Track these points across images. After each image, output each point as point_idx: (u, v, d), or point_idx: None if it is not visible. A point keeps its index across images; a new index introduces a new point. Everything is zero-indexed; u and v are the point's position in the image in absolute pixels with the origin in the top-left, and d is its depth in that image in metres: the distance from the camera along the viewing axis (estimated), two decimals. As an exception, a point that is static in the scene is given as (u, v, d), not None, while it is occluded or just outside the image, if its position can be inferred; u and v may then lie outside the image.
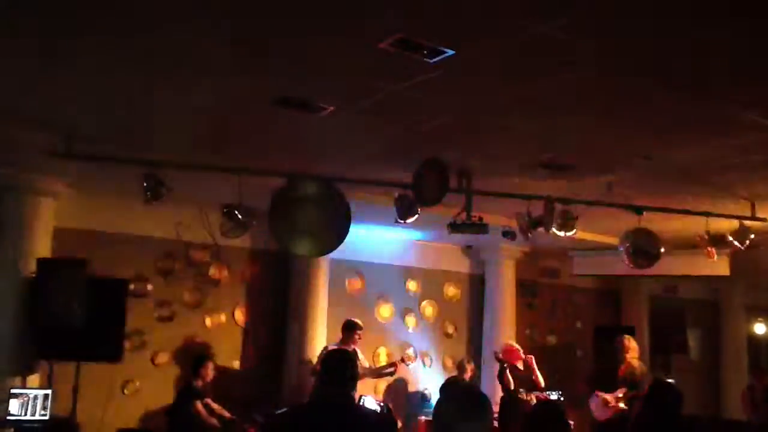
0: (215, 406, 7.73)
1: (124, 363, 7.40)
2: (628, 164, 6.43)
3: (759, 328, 14.33)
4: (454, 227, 6.69)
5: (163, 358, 8.43)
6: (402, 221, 6.74)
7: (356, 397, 7.50)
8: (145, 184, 5.72)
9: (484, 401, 2.66)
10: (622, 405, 7.40)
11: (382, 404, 8.59)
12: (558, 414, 4.02)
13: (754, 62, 4.22)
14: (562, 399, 9.08)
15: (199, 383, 7.68)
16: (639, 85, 4.65)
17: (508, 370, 8.38)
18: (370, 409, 7.34)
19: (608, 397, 7.66)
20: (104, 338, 6.86)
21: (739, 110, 5.03)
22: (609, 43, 4.03)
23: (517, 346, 8.86)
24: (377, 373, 9.12)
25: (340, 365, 3.60)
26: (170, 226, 8.24)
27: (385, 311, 10.30)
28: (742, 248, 7.36)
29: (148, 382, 8.25)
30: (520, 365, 8.57)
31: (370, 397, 8.65)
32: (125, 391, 8.10)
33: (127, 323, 7.32)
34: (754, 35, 3.84)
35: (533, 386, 8.45)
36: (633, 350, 7.82)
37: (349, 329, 8.46)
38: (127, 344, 7.59)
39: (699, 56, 4.16)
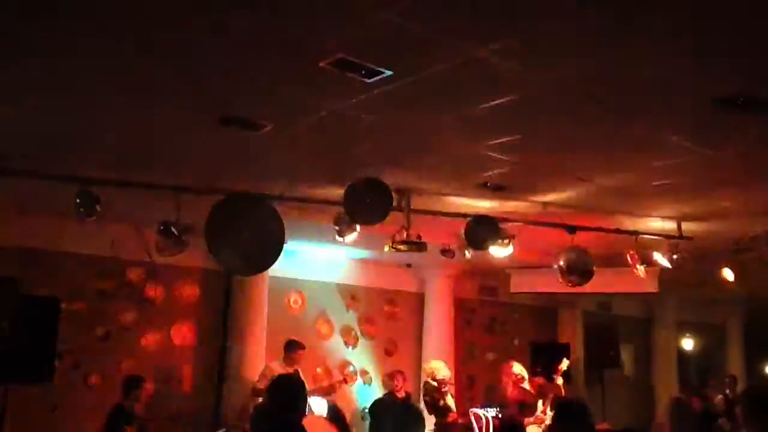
0: None
1: (56, 385, 7.18)
2: (563, 184, 6.62)
3: (687, 344, 14.83)
4: (393, 246, 6.75)
5: (96, 379, 8.21)
6: (342, 239, 6.78)
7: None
8: (78, 201, 5.60)
9: (418, 416, 2.72)
10: None
11: (329, 404, 8.45)
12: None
13: (680, 87, 4.42)
14: (499, 416, 9.20)
15: (131, 405, 7.44)
16: (572, 109, 4.80)
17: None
18: None
19: None
20: (34, 359, 6.63)
21: (667, 133, 5.25)
22: (542, 67, 4.17)
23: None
24: (317, 393, 9.05)
25: (291, 394, 3.57)
26: (105, 244, 8.07)
27: (325, 329, 10.27)
28: (669, 266, 7.64)
29: (81, 404, 8.02)
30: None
31: (317, 397, 8.46)
32: (56, 413, 7.84)
33: (59, 343, 7.11)
34: (678, 58, 4.02)
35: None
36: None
37: (292, 349, 8.41)
38: (58, 365, 7.36)
39: (629, 80, 4.33)
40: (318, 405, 8.07)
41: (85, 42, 3.96)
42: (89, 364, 8.18)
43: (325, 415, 4.29)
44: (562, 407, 4.63)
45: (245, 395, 8.60)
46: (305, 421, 3.48)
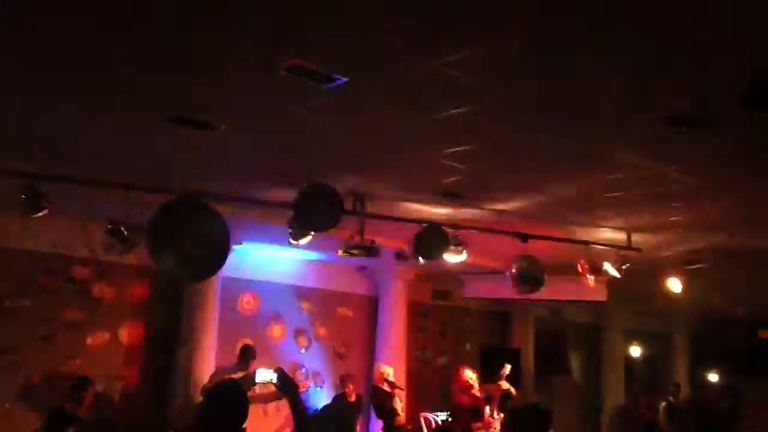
0: None
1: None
2: (517, 194, 6.68)
3: (634, 351, 15.12)
4: (347, 250, 6.72)
5: (38, 379, 7.99)
6: (295, 242, 6.72)
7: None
8: (23, 196, 5.44)
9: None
10: None
11: (275, 370, 8.28)
12: None
13: (632, 105, 4.49)
14: (450, 420, 9.25)
15: (74, 408, 7.26)
16: (527, 122, 4.85)
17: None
18: None
19: None
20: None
21: (619, 149, 5.34)
22: (499, 80, 4.19)
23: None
24: (269, 398, 8.93)
25: (231, 399, 3.53)
26: (50, 240, 7.86)
27: (277, 331, 10.19)
28: (618, 276, 7.79)
29: (21, 404, 7.79)
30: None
31: (262, 369, 8.24)
32: (-3, 412, 7.63)
33: (-1, 341, 6.92)
34: (631, 77, 4.08)
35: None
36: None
37: (246, 355, 8.31)
38: (-2, 363, 7.17)
39: (583, 96, 4.39)
40: (265, 374, 7.70)
41: (38, 40, 3.87)
42: (31, 364, 7.95)
43: (275, 382, 4.17)
44: (514, 414, 4.61)
45: (194, 397, 8.47)
46: None
